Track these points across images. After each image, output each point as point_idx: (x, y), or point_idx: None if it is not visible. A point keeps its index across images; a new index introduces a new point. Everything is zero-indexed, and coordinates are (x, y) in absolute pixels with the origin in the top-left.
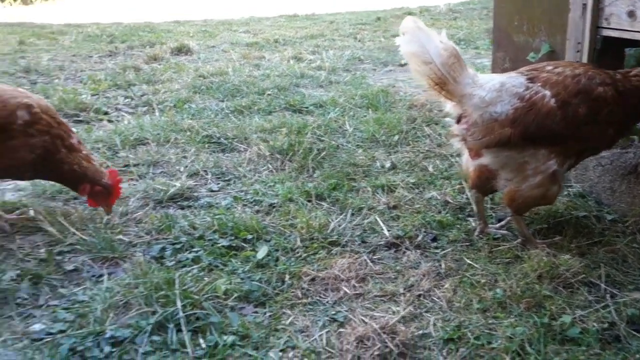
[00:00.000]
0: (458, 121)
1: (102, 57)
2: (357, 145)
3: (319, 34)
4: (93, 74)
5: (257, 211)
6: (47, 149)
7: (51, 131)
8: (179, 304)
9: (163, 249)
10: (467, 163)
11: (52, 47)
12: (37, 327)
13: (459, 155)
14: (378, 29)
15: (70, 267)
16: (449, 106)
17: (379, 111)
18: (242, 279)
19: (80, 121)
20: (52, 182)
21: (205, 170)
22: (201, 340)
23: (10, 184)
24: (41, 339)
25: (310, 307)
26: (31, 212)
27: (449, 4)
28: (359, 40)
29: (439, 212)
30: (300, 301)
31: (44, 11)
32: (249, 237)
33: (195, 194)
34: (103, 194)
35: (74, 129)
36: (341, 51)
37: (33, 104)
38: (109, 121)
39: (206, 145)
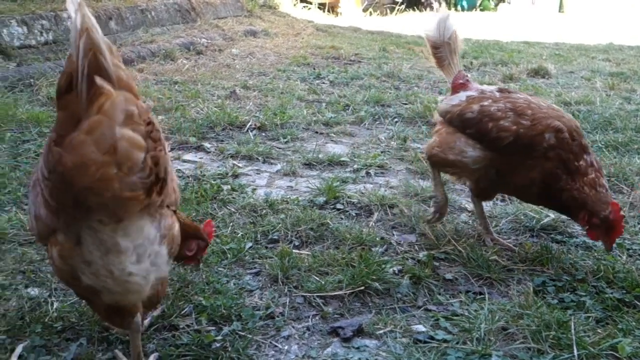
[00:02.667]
0: None
1: None
2: None
3: None
4: None
5: None
6: (552, 174)
7: (562, 156)
8: (575, 351)
9: (544, 283)
10: None
11: (409, 56)
12: (420, 327)
13: None
14: None
15: (448, 275)
16: None
17: None
18: None
19: None
20: (422, 185)
21: None
22: None
23: (383, 180)
24: (424, 342)
25: None
26: (404, 210)
27: None
28: None
29: None
30: None
31: (398, 22)
32: None
33: (569, 229)
34: (601, 227)
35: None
36: None
37: (563, 127)
38: None
39: None
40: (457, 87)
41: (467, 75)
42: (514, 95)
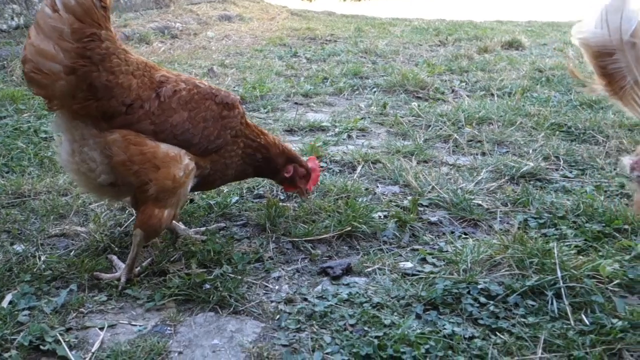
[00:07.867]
0: None
1: (432, 47)
2: None
3: None
4: (427, 59)
5: (627, 204)
6: None
7: None
8: (559, 273)
9: (526, 221)
10: None
11: (384, 35)
12: (407, 264)
13: None
14: None
15: (433, 219)
16: None
17: None
18: (622, 266)
19: (420, 97)
20: (404, 143)
21: (556, 156)
22: (583, 316)
23: (365, 141)
24: (412, 275)
25: None
26: (387, 164)
27: None
28: None
29: None
30: None
31: (371, 7)
32: (625, 227)
33: (548, 176)
34: None
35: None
36: None
37: None
38: (454, 99)
39: (556, 133)
40: None
41: None
42: None
